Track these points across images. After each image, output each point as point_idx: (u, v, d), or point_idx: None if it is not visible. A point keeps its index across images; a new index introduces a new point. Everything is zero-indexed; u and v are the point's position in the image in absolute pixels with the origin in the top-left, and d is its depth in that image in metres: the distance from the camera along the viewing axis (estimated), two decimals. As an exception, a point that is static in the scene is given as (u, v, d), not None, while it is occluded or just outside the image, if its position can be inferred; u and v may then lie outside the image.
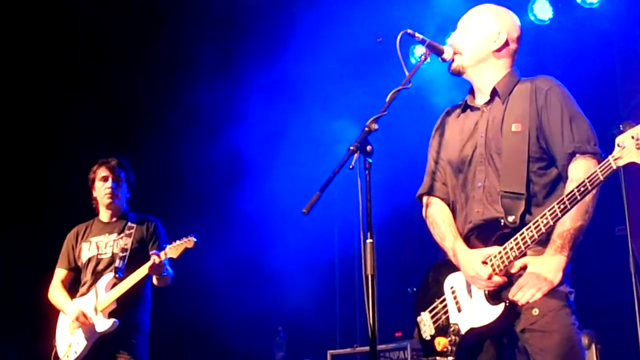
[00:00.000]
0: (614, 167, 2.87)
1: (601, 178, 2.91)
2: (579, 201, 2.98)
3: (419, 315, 3.60)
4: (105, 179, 5.56)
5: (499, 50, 3.54)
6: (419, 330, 3.59)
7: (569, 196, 2.99)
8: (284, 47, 8.17)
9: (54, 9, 7.47)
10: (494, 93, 3.51)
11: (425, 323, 3.55)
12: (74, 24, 7.63)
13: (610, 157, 2.88)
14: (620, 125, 2.89)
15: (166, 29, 7.94)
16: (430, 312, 3.55)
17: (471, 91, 3.65)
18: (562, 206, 3.01)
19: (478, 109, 3.56)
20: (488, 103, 3.53)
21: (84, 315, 5.26)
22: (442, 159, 3.62)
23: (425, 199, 3.70)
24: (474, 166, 3.46)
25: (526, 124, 3.34)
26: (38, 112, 7.94)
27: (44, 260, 5.99)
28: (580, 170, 3.18)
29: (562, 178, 3.32)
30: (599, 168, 2.91)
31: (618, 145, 2.85)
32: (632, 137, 2.81)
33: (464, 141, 3.53)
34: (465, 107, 3.63)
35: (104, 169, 5.58)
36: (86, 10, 7.51)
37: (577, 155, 3.24)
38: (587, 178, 2.94)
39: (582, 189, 2.95)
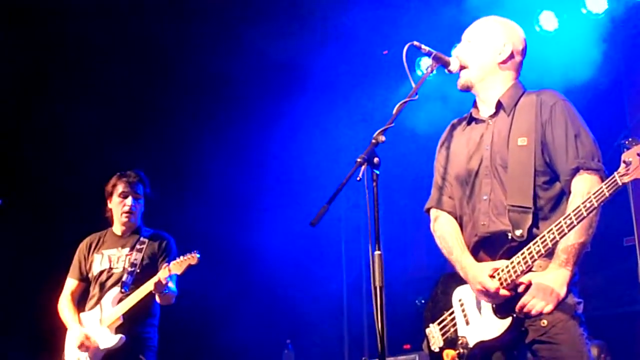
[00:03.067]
0: (620, 183, 2.89)
1: (607, 194, 2.92)
2: (585, 217, 2.99)
3: (428, 327, 3.60)
4: (125, 195, 5.48)
5: (504, 62, 3.56)
6: (428, 343, 3.60)
7: (575, 212, 3.00)
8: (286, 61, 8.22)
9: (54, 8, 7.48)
10: (499, 106, 3.52)
11: (434, 335, 3.55)
12: (73, 23, 7.64)
13: (616, 173, 2.90)
14: (627, 142, 2.88)
15: (170, 29, 7.94)
16: (439, 324, 3.55)
17: (475, 104, 3.66)
18: (568, 221, 3.02)
19: (483, 121, 3.57)
20: (493, 116, 3.53)
21: (88, 339, 5.24)
22: (448, 172, 3.64)
23: (432, 212, 3.70)
24: (480, 179, 3.47)
25: (532, 138, 3.35)
26: (38, 111, 7.97)
27: (51, 267, 5.96)
28: (584, 185, 3.20)
29: (565, 193, 3.32)
30: (605, 185, 2.92)
31: (624, 162, 2.87)
32: (638, 155, 2.83)
33: (470, 154, 3.54)
34: (470, 120, 3.64)
35: (124, 184, 5.49)
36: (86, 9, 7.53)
37: (581, 170, 3.25)
38: (593, 194, 2.95)
39: (588, 204, 2.96)
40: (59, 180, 7.79)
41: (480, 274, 3.27)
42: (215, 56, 8.06)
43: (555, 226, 3.05)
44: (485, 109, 3.59)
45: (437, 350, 3.52)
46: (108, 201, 5.59)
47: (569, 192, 3.26)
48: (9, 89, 7.72)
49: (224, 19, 7.90)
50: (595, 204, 2.94)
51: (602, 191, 2.92)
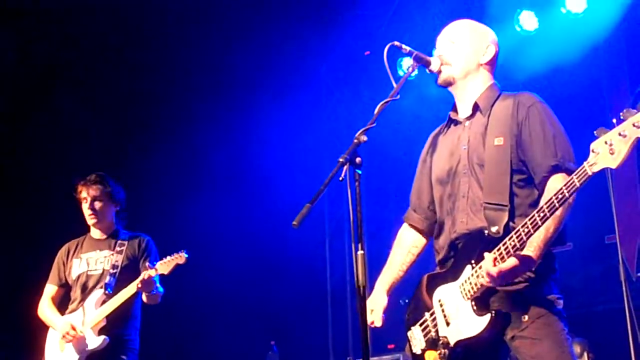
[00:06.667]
0: (590, 173, 2.90)
1: (577, 184, 2.93)
2: (557, 209, 3.00)
3: (410, 329, 3.60)
4: (85, 200, 5.49)
5: (487, 63, 3.60)
6: (410, 345, 3.59)
7: (547, 204, 3.01)
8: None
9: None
10: (476, 107, 3.56)
11: (416, 337, 3.55)
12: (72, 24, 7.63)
13: (585, 163, 2.90)
14: (595, 132, 2.89)
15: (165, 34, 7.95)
16: (421, 325, 3.54)
17: (453, 107, 3.70)
18: (541, 214, 3.03)
19: (460, 122, 3.61)
20: (470, 117, 3.58)
21: (73, 329, 5.22)
22: (430, 179, 3.70)
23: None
24: (458, 178, 3.51)
25: (508, 138, 3.39)
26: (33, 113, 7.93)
27: (33, 274, 5.94)
28: (558, 183, 3.20)
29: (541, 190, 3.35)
30: (575, 175, 2.94)
31: (593, 151, 2.88)
32: (606, 143, 2.83)
33: (448, 154, 3.59)
34: (449, 123, 3.69)
35: (84, 189, 5.48)
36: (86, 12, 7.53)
37: (558, 170, 3.28)
38: (565, 185, 2.97)
39: (560, 195, 2.98)
40: (46, 180, 7.76)
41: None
42: (212, 56, 8.09)
43: (530, 220, 3.07)
44: (462, 110, 3.63)
45: (419, 352, 3.51)
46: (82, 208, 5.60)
47: (543, 189, 3.28)
48: (5, 88, 7.71)
49: (219, 22, 7.94)
50: (567, 195, 2.95)
51: (573, 182, 2.93)
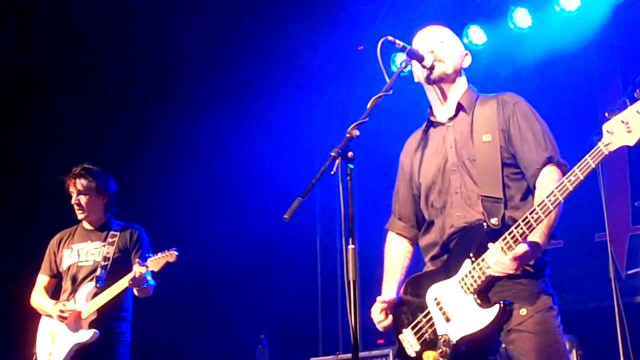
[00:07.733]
0: (606, 152, 2.90)
1: (592, 165, 2.94)
2: (571, 192, 3.00)
3: (401, 332, 3.56)
4: (72, 193, 5.46)
5: (465, 69, 3.68)
6: (403, 349, 3.54)
7: (559, 188, 3.02)
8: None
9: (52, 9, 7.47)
10: (459, 107, 3.59)
11: (409, 340, 3.51)
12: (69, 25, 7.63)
13: (600, 143, 2.91)
14: (606, 113, 2.90)
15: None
16: (413, 328, 3.51)
17: (431, 110, 3.71)
18: (553, 198, 3.04)
19: (442, 124, 3.63)
20: (452, 118, 3.60)
21: (64, 305, 5.21)
22: (415, 182, 3.71)
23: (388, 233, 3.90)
24: (448, 176, 3.52)
25: (496, 134, 3.42)
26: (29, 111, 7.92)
27: (25, 263, 5.93)
28: (554, 174, 3.25)
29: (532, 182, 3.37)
30: (590, 156, 2.94)
31: (607, 131, 2.88)
32: (622, 122, 2.85)
33: (434, 155, 3.61)
34: (429, 126, 3.71)
35: (69, 183, 5.43)
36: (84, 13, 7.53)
37: (550, 162, 3.30)
38: (578, 167, 2.98)
39: (573, 178, 2.98)
40: (38, 173, 7.74)
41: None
42: (208, 53, 8.10)
43: (539, 206, 3.07)
44: (443, 112, 3.65)
45: (413, 355, 3.47)
46: None
47: (535, 182, 3.31)
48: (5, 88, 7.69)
49: (215, 20, 7.96)
50: (581, 177, 2.96)
51: (587, 162, 2.94)
